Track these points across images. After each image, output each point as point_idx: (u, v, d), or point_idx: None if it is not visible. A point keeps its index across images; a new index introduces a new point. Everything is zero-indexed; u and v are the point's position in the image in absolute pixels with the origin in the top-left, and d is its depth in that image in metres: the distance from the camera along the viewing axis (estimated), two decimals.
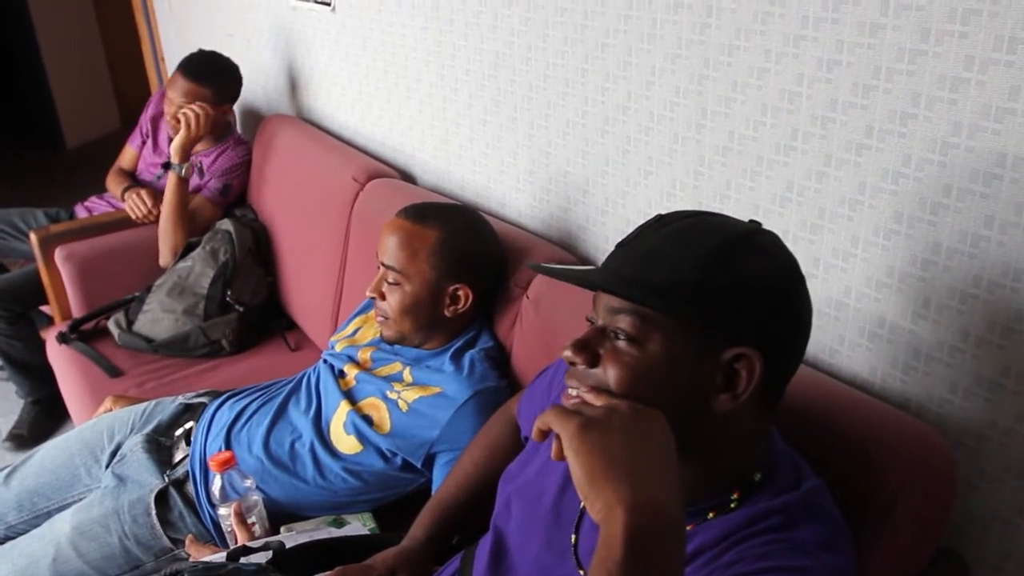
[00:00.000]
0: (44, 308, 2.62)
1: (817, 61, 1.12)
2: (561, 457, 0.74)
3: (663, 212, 0.91)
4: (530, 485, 1.10)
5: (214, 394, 1.80)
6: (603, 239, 1.59)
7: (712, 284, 0.81)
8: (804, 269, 0.88)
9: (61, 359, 2.30)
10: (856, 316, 1.17)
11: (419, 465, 1.48)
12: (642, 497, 0.68)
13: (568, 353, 0.87)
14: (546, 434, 0.77)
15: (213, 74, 2.49)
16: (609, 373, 0.84)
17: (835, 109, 1.12)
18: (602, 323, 0.86)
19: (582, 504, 0.99)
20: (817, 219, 1.18)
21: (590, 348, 0.86)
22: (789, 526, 0.83)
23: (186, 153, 2.39)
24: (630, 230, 1.47)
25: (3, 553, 1.57)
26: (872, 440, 1.00)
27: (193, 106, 2.40)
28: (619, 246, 0.90)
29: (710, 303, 0.81)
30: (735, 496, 0.87)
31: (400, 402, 1.48)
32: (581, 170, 1.59)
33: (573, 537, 0.99)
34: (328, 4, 2.31)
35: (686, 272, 0.82)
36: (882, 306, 1.13)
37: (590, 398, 0.84)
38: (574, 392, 0.86)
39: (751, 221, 0.89)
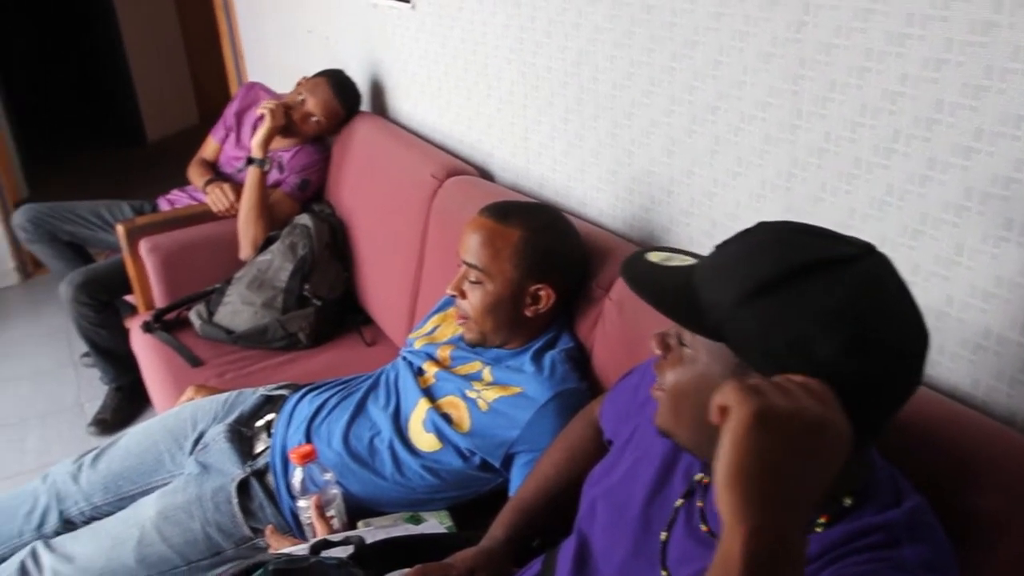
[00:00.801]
0: (128, 298, 2.69)
1: (923, 60, 1.08)
2: (719, 417, 0.69)
3: (763, 219, 0.88)
4: (616, 489, 1.08)
5: (294, 387, 1.82)
6: (687, 240, 1.56)
7: (745, 313, 0.79)
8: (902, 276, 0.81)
9: (144, 347, 2.37)
10: (958, 327, 1.13)
11: (497, 465, 1.47)
12: (773, 523, 0.64)
13: (652, 343, 0.91)
14: (722, 408, 0.70)
15: (352, 98, 2.59)
16: (667, 376, 0.89)
17: (941, 111, 1.07)
18: None
19: (676, 504, 0.98)
20: (919, 225, 1.14)
21: (666, 341, 0.91)
22: (892, 544, 0.80)
23: (267, 147, 2.43)
24: (716, 232, 1.47)
25: (91, 533, 1.62)
26: (976, 456, 0.96)
27: (270, 102, 2.46)
28: (716, 246, 0.89)
29: (739, 331, 0.79)
30: (822, 520, 0.84)
31: (480, 401, 1.48)
32: (666, 170, 1.57)
33: (664, 534, 0.97)
34: (408, 1, 2.32)
35: (729, 295, 0.80)
36: (988, 317, 1.09)
37: (657, 395, 0.90)
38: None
39: (865, 246, 0.81)
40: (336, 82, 2.55)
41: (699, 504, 0.96)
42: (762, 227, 0.87)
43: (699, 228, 1.53)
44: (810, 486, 0.66)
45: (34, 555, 1.58)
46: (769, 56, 1.29)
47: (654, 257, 0.93)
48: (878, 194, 1.18)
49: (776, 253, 0.81)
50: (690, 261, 0.91)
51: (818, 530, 0.84)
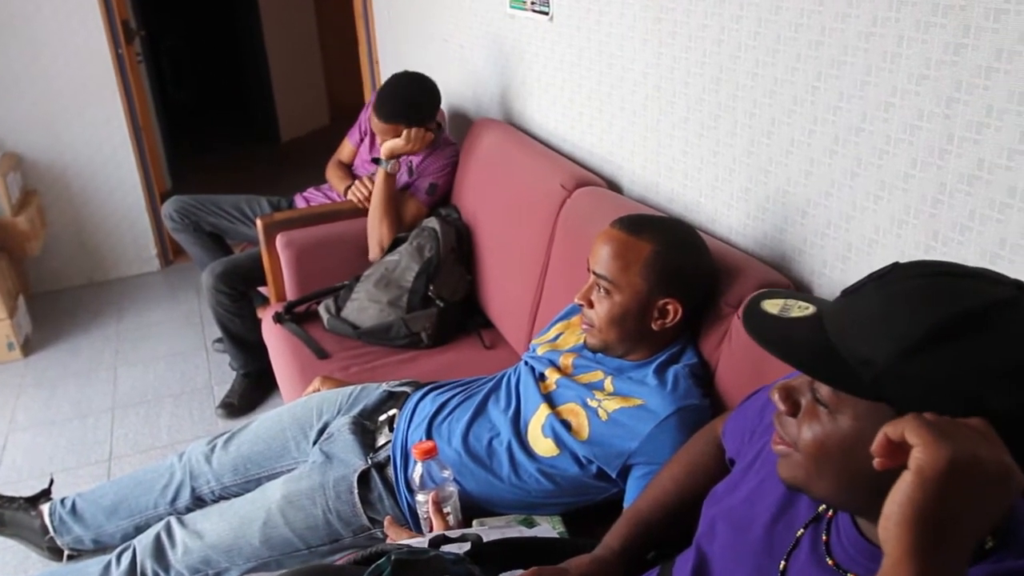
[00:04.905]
0: (261, 289, 2.82)
1: None
2: (886, 450, 0.69)
3: (904, 245, 0.85)
4: (738, 510, 1.07)
5: (416, 384, 1.87)
6: (820, 263, 1.53)
7: (906, 371, 0.75)
8: None
9: (274, 337, 2.47)
10: None
11: (614, 475, 1.48)
12: (945, 566, 0.66)
13: (775, 396, 0.88)
14: (892, 444, 0.69)
15: (401, 113, 2.53)
16: (803, 432, 0.84)
17: None
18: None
19: (798, 534, 0.97)
20: None
21: (794, 397, 0.87)
22: None
23: (394, 154, 2.52)
24: (852, 256, 1.44)
25: (220, 512, 1.70)
26: None
27: (416, 131, 2.51)
28: (843, 294, 0.85)
29: (900, 390, 0.75)
30: None
31: (600, 411, 1.49)
32: (802, 190, 1.54)
33: (783, 564, 0.96)
34: (546, 13, 2.36)
35: (882, 352, 0.76)
36: None
37: (782, 449, 0.88)
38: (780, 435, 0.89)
39: (1016, 283, 0.77)
40: (377, 110, 2.53)
41: (824, 538, 0.94)
42: (900, 271, 0.82)
43: (833, 251, 1.50)
44: (982, 532, 0.67)
45: (168, 529, 1.68)
46: (921, 78, 1.26)
47: (771, 308, 0.89)
48: None
49: (930, 302, 0.77)
50: (809, 309, 0.87)
51: None
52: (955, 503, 0.66)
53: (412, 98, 2.59)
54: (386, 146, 2.51)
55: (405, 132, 2.50)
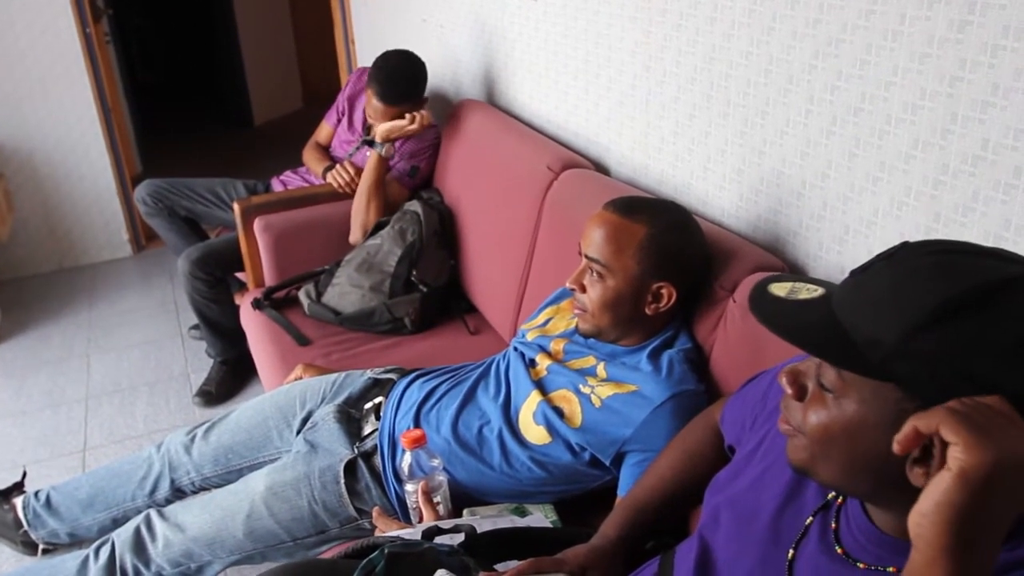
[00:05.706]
0: (240, 275, 2.76)
1: None
2: (914, 443, 0.67)
3: (905, 227, 0.83)
4: (742, 498, 1.05)
5: (401, 371, 1.83)
6: (816, 245, 1.51)
7: (914, 349, 0.72)
8: None
9: (253, 324, 2.42)
10: None
11: (608, 462, 1.45)
12: (982, 564, 0.64)
13: (783, 380, 0.86)
14: (921, 437, 0.68)
15: (408, 94, 2.48)
16: (808, 417, 0.83)
17: None
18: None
19: (807, 522, 0.94)
20: None
21: (800, 381, 0.85)
22: None
23: (392, 136, 2.45)
24: (849, 239, 1.41)
25: (202, 504, 1.66)
26: None
27: (424, 113, 2.43)
28: (851, 274, 0.83)
29: (908, 369, 0.73)
30: None
31: (593, 397, 1.46)
32: (798, 172, 1.51)
33: (791, 552, 0.94)
34: None
35: (889, 332, 0.74)
36: None
37: (787, 429, 0.87)
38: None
39: None
40: (381, 95, 2.44)
41: (832, 526, 0.91)
42: (909, 249, 0.79)
43: (830, 234, 1.47)
44: (1005, 532, 0.66)
45: (148, 522, 1.64)
46: (924, 57, 1.23)
47: (778, 291, 0.87)
48: None
49: (939, 280, 0.74)
50: (817, 291, 0.85)
51: None
52: (997, 505, 0.64)
53: (414, 77, 2.52)
54: (383, 128, 2.43)
55: (409, 115, 2.42)
